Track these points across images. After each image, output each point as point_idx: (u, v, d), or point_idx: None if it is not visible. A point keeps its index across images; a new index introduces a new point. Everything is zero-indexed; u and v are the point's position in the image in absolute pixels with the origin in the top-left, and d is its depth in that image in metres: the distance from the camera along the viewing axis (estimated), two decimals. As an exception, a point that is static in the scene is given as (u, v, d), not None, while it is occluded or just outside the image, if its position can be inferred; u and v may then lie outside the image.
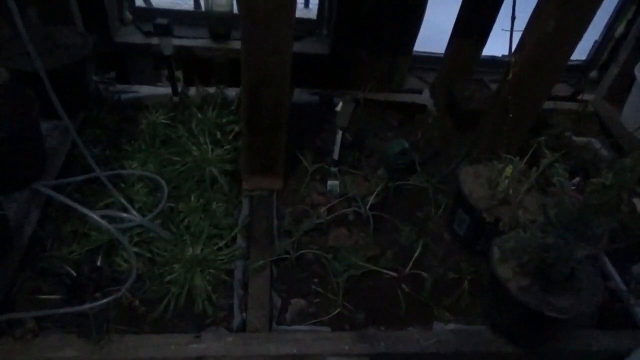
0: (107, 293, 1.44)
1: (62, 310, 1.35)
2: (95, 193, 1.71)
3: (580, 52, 2.78)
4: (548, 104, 2.22)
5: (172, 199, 1.75)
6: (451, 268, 1.71)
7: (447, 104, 2.28)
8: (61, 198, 1.49)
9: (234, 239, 1.70)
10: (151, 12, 2.48)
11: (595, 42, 2.74)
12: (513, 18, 1.57)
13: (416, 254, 1.71)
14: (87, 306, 1.36)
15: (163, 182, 1.75)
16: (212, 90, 2.17)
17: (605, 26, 2.66)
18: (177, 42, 2.23)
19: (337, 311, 1.55)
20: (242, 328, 1.46)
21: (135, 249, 1.56)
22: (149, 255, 1.59)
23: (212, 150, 1.90)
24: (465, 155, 1.93)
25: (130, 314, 1.45)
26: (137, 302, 1.46)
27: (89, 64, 2.02)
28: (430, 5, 2.28)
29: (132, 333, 1.40)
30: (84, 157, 1.51)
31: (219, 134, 1.97)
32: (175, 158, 1.88)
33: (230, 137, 1.99)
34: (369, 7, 2.22)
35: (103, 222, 1.41)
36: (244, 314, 1.49)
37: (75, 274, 1.47)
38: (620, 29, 2.56)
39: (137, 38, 2.38)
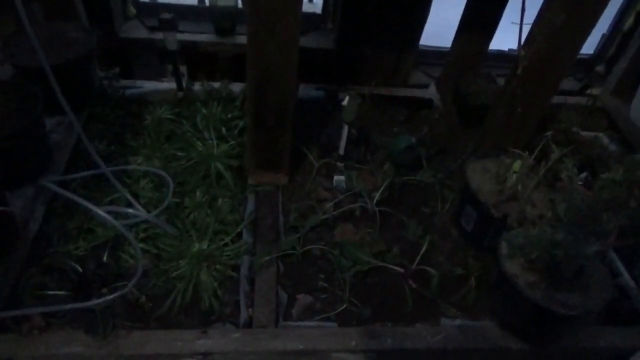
0: (113, 289, 1.43)
1: (68, 306, 1.35)
2: (100, 189, 1.71)
3: (588, 46, 2.75)
4: (556, 98, 2.19)
5: (178, 194, 1.75)
6: (458, 264, 1.70)
7: (453, 99, 2.27)
8: (67, 194, 1.49)
9: (239, 234, 1.69)
10: (155, 7, 2.46)
11: (603, 35, 2.71)
12: (523, 10, 1.55)
13: (423, 250, 1.70)
14: (93, 302, 1.36)
15: (168, 177, 1.74)
16: (217, 85, 2.16)
17: (614, 19, 2.63)
18: (181, 37, 2.22)
19: (343, 307, 1.55)
20: (249, 324, 1.46)
21: (141, 245, 1.56)
22: (155, 251, 1.59)
23: (218, 146, 1.89)
24: (472, 150, 1.92)
25: (136, 309, 1.45)
26: (143, 298, 1.46)
27: (93, 60, 2.01)
28: (437, -1, 2.26)
29: (138, 329, 1.39)
30: (89, 152, 1.50)
31: (224, 129, 1.96)
32: (180, 153, 1.88)
33: (236, 132, 1.98)
34: (375, 1, 2.20)
35: (109, 217, 1.41)
36: (250, 310, 1.48)
37: (81, 270, 1.46)
38: (628, 23, 2.53)
39: (142, 33, 2.37)
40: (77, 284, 1.45)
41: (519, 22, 1.55)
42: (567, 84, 2.71)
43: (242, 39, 2.37)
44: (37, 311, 1.34)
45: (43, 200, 1.64)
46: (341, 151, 1.92)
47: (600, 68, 2.73)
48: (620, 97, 2.51)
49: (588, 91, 2.59)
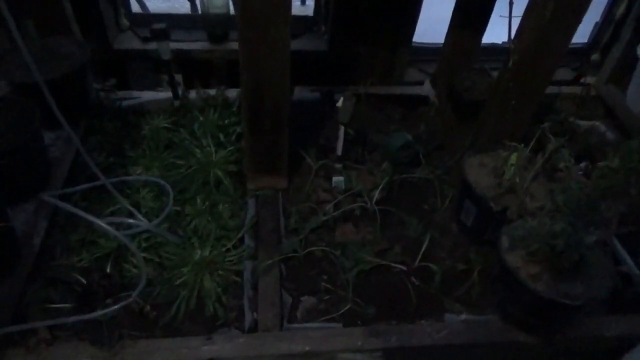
0: (117, 299, 1.44)
1: (74, 319, 1.36)
2: (101, 200, 1.72)
3: (581, 35, 2.75)
4: (551, 89, 2.20)
5: (178, 202, 1.75)
6: (460, 259, 1.70)
7: (448, 95, 2.27)
8: (68, 207, 1.49)
9: (241, 239, 1.70)
10: (147, 18, 2.48)
11: (596, 24, 2.71)
12: (511, 4, 1.55)
13: (424, 247, 1.70)
14: (98, 313, 1.36)
15: (168, 186, 1.75)
16: (212, 92, 2.17)
17: (606, 7, 2.63)
18: (175, 45, 2.23)
19: (347, 307, 1.55)
20: (254, 328, 1.47)
21: (144, 255, 1.57)
22: (157, 259, 1.60)
23: (216, 152, 1.90)
24: (469, 145, 1.92)
25: (141, 319, 1.46)
26: (148, 307, 1.47)
27: (89, 72, 2.02)
28: (428, -5, 2.26)
29: (144, 338, 1.40)
30: (88, 165, 1.51)
31: (221, 136, 1.97)
32: (179, 162, 1.89)
33: (233, 138, 1.99)
34: (366, 0, 2.21)
35: (110, 229, 1.42)
36: (255, 314, 1.49)
37: (85, 282, 1.48)
38: (620, 10, 2.53)
39: (135, 44, 2.38)
40: (82, 295, 1.46)
41: (507, 15, 1.56)
42: (562, 73, 2.71)
43: (236, 45, 2.35)
44: (43, 324, 1.35)
45: (45, 214, 1.65)
46: (339, 152, 1.93)
47: (595, 56, 2.73)
48: (616, 85, 2.51)
49: (582, 80, 2.58)
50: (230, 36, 2.44)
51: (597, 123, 2.32)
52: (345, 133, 1.87)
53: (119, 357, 1.34)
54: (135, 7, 2.51)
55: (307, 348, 1.41)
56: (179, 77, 2.17)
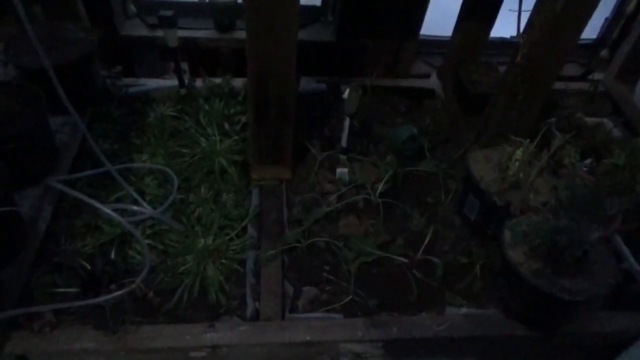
0: (121, 285, 1.45)
1: (78, 303, 1.37)
2: (106, 187, 1.73)
3: (591, 31, 2.73)
4: (558, 85, 2.18)
5: (182, 190, 1.76)
6: (462, 253, 1.70)
7: (455, 88, 2.26)
8: (73, 193, 1.50)
9: (244, 229, 1.70)
10: (155, 4, 2.46)
11: (606, 19, 2.68)
12: (521, -3, 1.54)
13: (427, 240, 1.70)
14: (102, 298, 1.37)
15: (173, 174, 1.76)
16: (218, 81, 2.16)
17: (616, 3, 2.60)
18: (182, 33, 2.22)
19: (349, 298, 1.56)
20: (256, 317, 1.48)
21: (148, 241, 1.58)
22: (161, 247, 1.61)
23: (221, 141, 1.90)
24: (474, 139, 1.91)
25: (145, 305, 1.47)
26: (151, 294, 1.48)
27: (95, 59, 2.02)
28: (436, -12, 2.25)
29: (147, 324, 1.42)
30: (94, 151, 1.52)
31: (226, 125, 1.98)
32: (184, 150, 1.90)
33: (238, 127, 1.99)
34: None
35: (115, 215, 1.43)
36: (257, 303, 1.50)
37: (89, 267, 1.49)
38: (631, 6, 2.50)
39: (142, 31, 2.37)
40: (86, 281, 1.47)
41: (517, 9, 1.54)
42: (571, 69, 2.69)
43: (243, 34, 2.34)
44: (48, 309, 1.37)
45: (50, 199, 1.66)
46: (344, 143, 1.92)
47: (604, 52, 2.70)
48: (624, 81, 2.49)
49: (590, 76, 2.56)
50: (237, 25, 2.43)
51: (605, 120, 2.31)
52: (351, 125, 1.87)
53: (121, 342, 1.35)
54: (143, -6, 2.49)
55: (308, 338, 1.42)
56: (185, 65, 2.17)
